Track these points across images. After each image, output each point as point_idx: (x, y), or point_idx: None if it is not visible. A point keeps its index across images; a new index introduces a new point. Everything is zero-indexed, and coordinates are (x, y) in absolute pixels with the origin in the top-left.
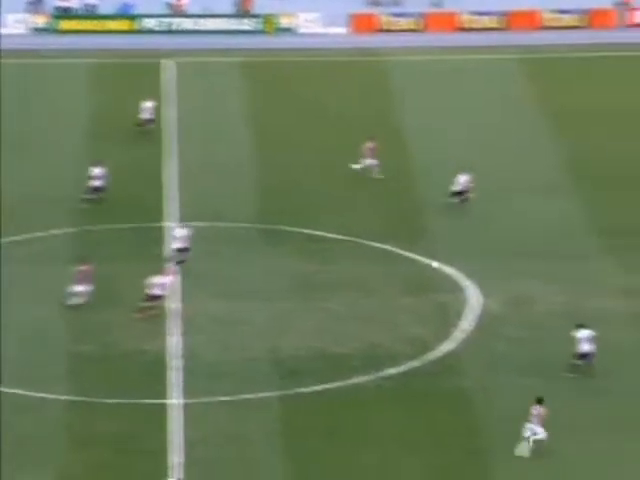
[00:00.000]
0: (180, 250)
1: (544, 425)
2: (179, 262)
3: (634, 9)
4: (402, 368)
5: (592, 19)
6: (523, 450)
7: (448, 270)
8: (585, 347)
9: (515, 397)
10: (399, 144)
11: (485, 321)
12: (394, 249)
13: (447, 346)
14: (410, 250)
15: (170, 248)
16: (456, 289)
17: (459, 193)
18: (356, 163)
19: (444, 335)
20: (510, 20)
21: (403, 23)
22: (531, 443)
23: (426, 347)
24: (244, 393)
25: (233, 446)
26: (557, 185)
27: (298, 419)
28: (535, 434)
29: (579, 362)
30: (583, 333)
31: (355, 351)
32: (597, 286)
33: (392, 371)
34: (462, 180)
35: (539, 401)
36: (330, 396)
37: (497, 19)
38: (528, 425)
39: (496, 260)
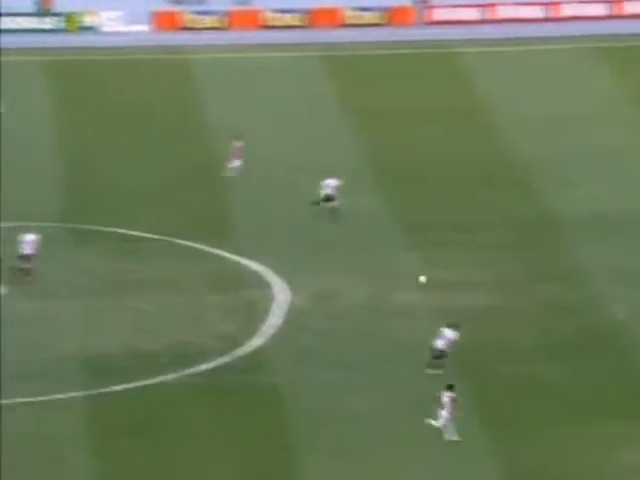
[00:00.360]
0: (26, 257)
1: (455, 410)
2: (23, 270)
3: (432, 7)
4: (211, 364)
5: (392, 17)
6: (452, 434)
7: (256, 267)
8: (440, 344)
9: (322, 391)
10: (204, 141)
11: (292, 316)
12: (204, 247)
13: (256, 342)
14: (220, 248)
15: (16, 253)
16: (264, 285)
17: (327, 198)
18: (226, 165)
19: (253, 331)
20: (312, 18)
21: (207, 21)
22: (438, 426)
23: (235, 343)
24: (53, 393)
25: (41, 447)
26: (361, 181)
27: (107, 418)
28: (445, 419)
29: (435, 357)
30: (447, 332)
31: (165, 348)
32: (400, 280)
33: (202, 368)
34: (331, 184)
35: (449, 387)
36: (140, 394)
37: (300, 17)
38: (440, 411)
39: (303, 255)
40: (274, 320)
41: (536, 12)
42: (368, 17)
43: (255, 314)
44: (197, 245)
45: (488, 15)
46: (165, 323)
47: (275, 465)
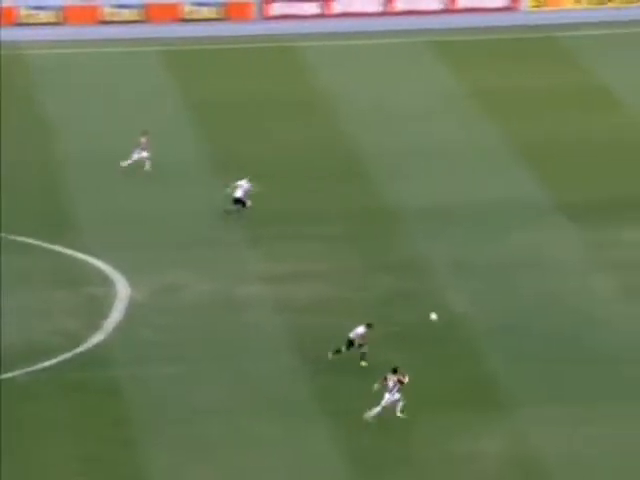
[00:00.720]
0: None
1: (400, 391)
2: None
3: (271, 1)
4: (54, 361)
5: (230, 11)
6: (370, 416)
7: (100, 264)
8: (351, 335)
9: (165, 385)
10: (43, 136)
11: (135, 312)
12: (48, 245)
13: (98, 337)
14: (64, 245)
15: None
16: (106, 282)
17: (239, 200)
18: (126, 159)
19: (95, 327)
20: (150, 12)
21: (42, 16)
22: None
23: (77, 339)
24: None
25: None
26: (198, 174)
27: None
28: (392, 401)
29: (344, 348)
30: (360, 328)
31: (6, 346)
32: (243, 274)
33: (44, 364)
34: (243, 186)
35: (394, 371)
36: None
37: (137, 12)
38: (385, 393)
39: (147, 252)
40: (116, 316)
41: (373, 6)
42: (206, 12)
43: (98, 310)
44: (40, 243)
45: (326, 9)
46: (7, 320)
47: (118, 460)
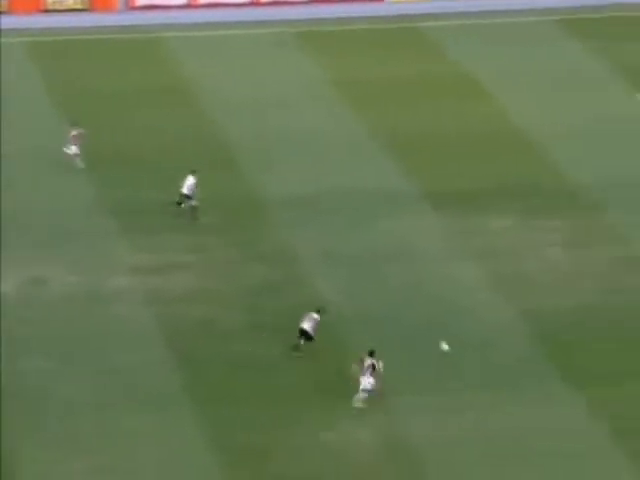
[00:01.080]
0: None
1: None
2: None
3: None
4: None
5: (94, 2)
6: (358, 401)
7: None
8: (305, 325)
9: (37, 380)
10: None
11: (3, 306)
12: None
13: None
14: None
15: None
16: None
17: (188, 196)
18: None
19: None
20: (13, 3)
21: None
22: (361, 393)
23: None
24: None
25: None
26: (63, 167)
27: None
28: (367, 384)
29: (301, 340)
30: (314, 315)
31: None
32: (111, 266)
33: None
34: (189, 183)
35: (371, 354)
36: None
37: None
38: (362, 377)
39: (11, 245)
40: None
41: None
42: (70, 2)
43: None
44: None
45: (192, 0)
46: None
47: None
